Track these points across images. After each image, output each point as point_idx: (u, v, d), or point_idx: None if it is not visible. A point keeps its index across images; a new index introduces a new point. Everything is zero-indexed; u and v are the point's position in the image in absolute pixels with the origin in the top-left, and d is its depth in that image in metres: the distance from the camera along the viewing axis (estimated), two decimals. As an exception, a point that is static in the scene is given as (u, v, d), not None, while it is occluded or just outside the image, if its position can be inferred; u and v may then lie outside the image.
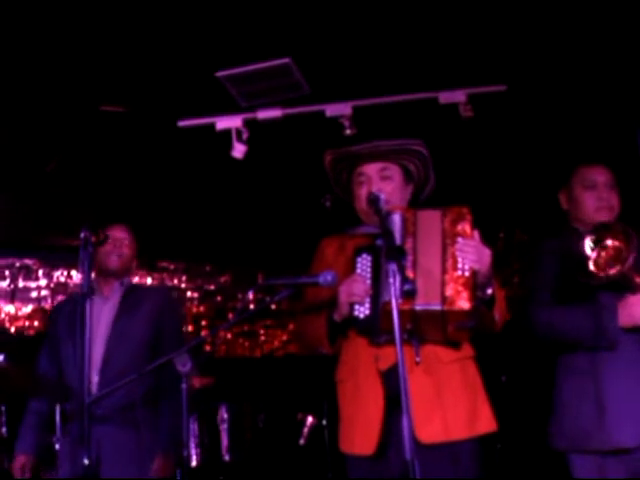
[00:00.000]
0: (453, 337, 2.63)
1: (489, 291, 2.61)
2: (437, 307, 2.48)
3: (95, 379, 3.44)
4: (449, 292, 2.48)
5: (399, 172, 2.86)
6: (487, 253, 2.56)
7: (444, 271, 2.51)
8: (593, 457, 2.93)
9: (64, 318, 3.55)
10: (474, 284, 2.51)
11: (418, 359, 2.58)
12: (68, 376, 3.46)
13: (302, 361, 5.91)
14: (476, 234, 2.58)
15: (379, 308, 2.50)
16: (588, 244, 2.89)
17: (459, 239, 2.55)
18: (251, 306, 7.59)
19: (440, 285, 2.49)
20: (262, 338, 7.55)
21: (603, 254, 2.86)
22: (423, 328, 2.56)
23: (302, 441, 5.31)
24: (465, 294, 2.47)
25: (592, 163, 3.26)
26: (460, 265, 2.51)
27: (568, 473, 3.08)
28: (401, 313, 2.35)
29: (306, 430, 5.32)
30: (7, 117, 4.77)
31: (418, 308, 2.42)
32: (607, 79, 4.49)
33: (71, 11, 3.75)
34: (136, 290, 3.77)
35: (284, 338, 7.54)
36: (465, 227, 2.58)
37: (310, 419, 5.33)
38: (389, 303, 2.28)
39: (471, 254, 2.52)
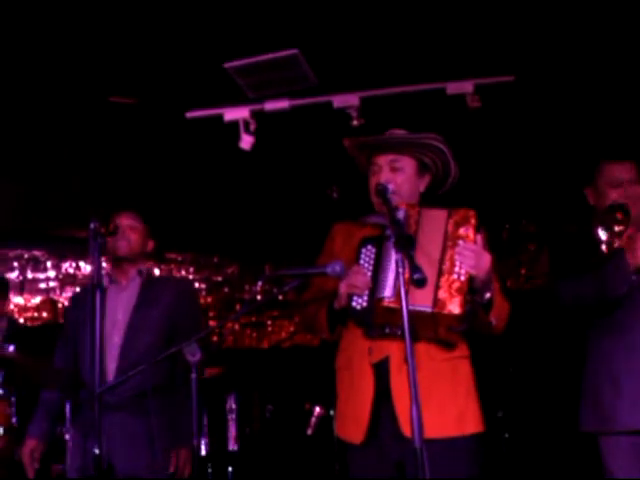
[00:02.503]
0: (445, 337, 2.65)
1: (487, 295, 2.61)
2: (428, 309, 2.50)
3: (112, 367, 3.45)
4: (442, 295, 2.50)
5: (412, 164, 2.86)
6: (487, 259, 2.56)
7: (440, 273, 2.52)
8: (619, 438, 2.98)
9: (81, 308, 3.55)
10: (468, 289, 2.52)
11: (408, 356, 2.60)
12: (83, 365, 3.46)
13: (309, 352, 5.94)
14: (479, 239, 2.58)
15: (374, 300, 2.53)
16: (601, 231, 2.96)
17: (460, 242, 2.56)
18: (258, 297, 7.62)
19: (434, 287, 2.50)
20: (269, 329, 7.57)
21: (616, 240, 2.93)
22: (416, 326, 2.55)
23: (309, 431, 5.33)
24: (457, 299, 2.49)
25: (617, 160, 3.28)
26: (457, 269, 2.52)
27: (576, 459, 3.12)
28: (392, 311, 2.39)
29: (314, 420, 5.33)
30: (17, 108, 4.78)
31: (410, 308, 2.38)
32: (615, 69, 4.48)
33: (80, 3, 3.76)
34: (156, 280, 3.77)
35: (291, 329, 7.56)
36: (468, 231, 2.58)
37: (318, 409, 5.35)
38: (382, 299, 2.35)
39: (470, 259, 2.53)
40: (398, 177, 2.80)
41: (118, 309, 3.59)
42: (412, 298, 2.40)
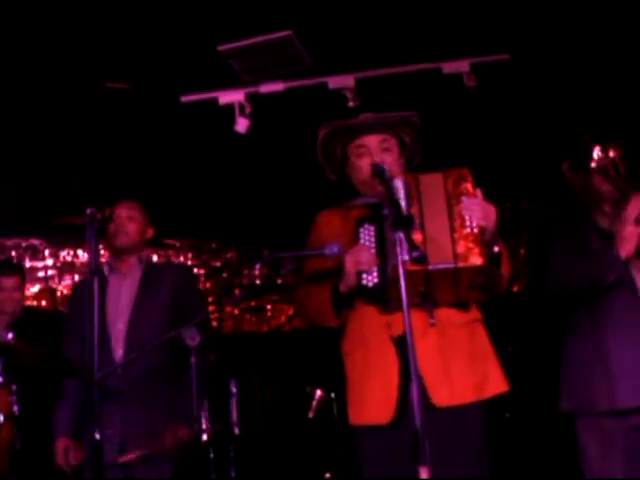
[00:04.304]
0: (465, 297, 2.66)
1: (496, 248, 2.63)
2: (450, 265, 2.50)
3: (119, 353, 3.48)
4: (461, 249, 2.51)
5: (396, 144, 2.91)
6: (492, 210, 2.59)
7: (453, 230, 2.54)
8: (596, 419, 2.98)
9: (85, 296, 3.54)
10: (483, 240, 2.53)
11: (433, 321, 2.60)
12: (88, 352, 3.46)
13: (309, 335, 5.93)
14: (479, 192, 2.60)
15: (388, 275, 2.51)
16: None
17: (463, 198, 2.58)
18: (257, 282, 7.62)
19: (451, 243, 2.52)
20: (269, 314, 7.57)
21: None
22: (436, 289, 2.57)
23: (311, 414, 5.34)
24: (476, 250, 2.50)
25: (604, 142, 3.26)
26: (468, 223, 2.54)
27: (574, 440, 3.13)
28: (413, 275, 2.38)
29: (315, 403, 5.34)
30: (12, 97, 4.76)
31: (431, 268, 2.44)
32: (610, 47, 4.46)
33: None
34: (156, 267, 3.83)
35: (290, 313, 7.56)
36: (467, 186, 2.61)
37: (319, 392, 5.35)
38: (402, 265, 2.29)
39: (477, 212, 2.55)
40: (389, 157, 2.84)
41: (121, 297, 3.62)
42: (432, 258, 2.43)
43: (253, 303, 7.50)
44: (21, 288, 4.89)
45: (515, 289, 5.76)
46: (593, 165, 2.97)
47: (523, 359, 5.61)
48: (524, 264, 6.62)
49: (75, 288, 4.09)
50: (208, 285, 7.47)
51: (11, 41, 4.18)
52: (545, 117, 5.23)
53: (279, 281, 7.25)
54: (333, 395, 5.32)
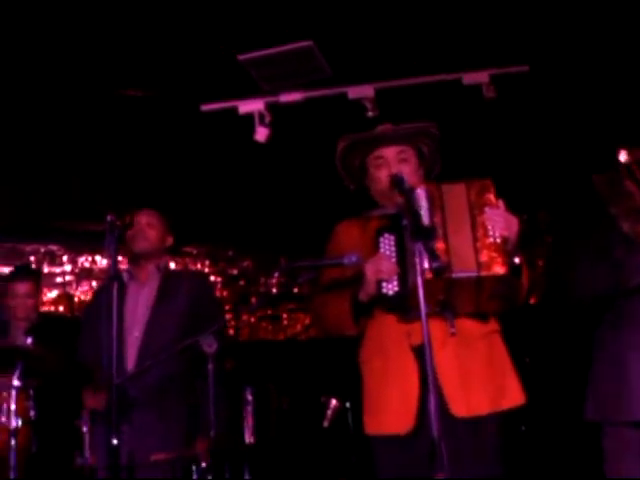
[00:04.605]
0: (485, 307, 2.66)
1: (517, 259, 2.63)
2: (473, 273, 2.50)
3: (132, 361, 3.49)
4: (484, 258, 2.51)
5: (415, 155, 2.93)
6: (515, 221, 2.59)
7: (476, 239, 2.54)
8: (623, 429, 2.96)
9: (102, 302, 3.56)
10: (505, 251, 2.53)
11: (453, 330, 2.59)
12: (103, 358, 3.47)
13: (325, 344, 5.93)
14: (501, 203, 2.60)
15: (408, 283, 2.52)
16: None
17: (486, 209, 2.58)
18: (274, 290, 7.62)
19: (474, 252, 2.52)
20: (285, 322, 7.57)
21: None
22: (456, 299, 2.57)
23: (326, 424, 5.33)
24: (499, 259, 2.50)
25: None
26: (491, 233, 2.54)
27: (591, 453, 3.11)
28: (434, 284, 2.38)
29: (330, 413, 5.33)
30: (31, 102, 4.80)
31: (454, 276, 2.44)
32: (631, 59, 4.44)
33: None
34: (174, 275, 3.80)
35: (307, 322, 7.56)
36: (490, 197, 2.61)
37: (334, 402, 5.34)
38: (424, 272, 2.31)
39: (500, 222, 2.55)
40: (406, 168, 2.84)
41: (138, 305, 3.64)
42: (455, 266, 2.43)
43: (269, 311, 7.50)
44: (35, 294, 4.89)
45: (532, 300, 5.74)
46: (621, 168, 2.96)
47: (540, 371, 5.59)
48: (542, 275, 6.60)
49: (96, 294, 4.11)
50: (225, 293, 7.48)
51: (28, 50, 4.21)
52: (563, 128, 5.22)
53: (295, 290, 7.25)
54: (348, 405, 5.31)
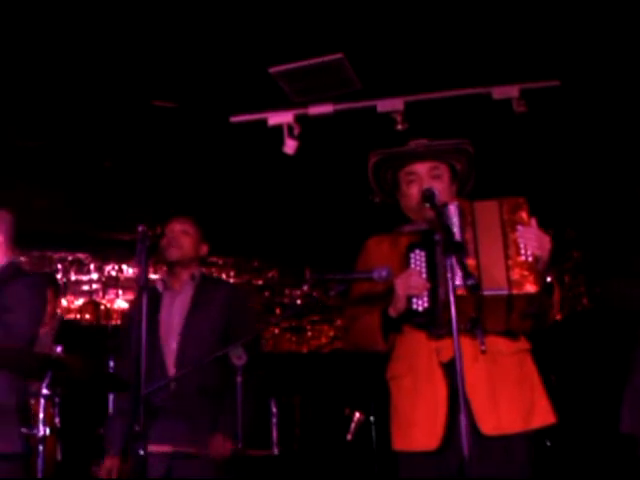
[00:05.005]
0: (515, 325, 2.64)
1: (549, 278, 2.61)
2: (504, 291, 2.48)
3: (172, 372, 3.50)
4: (515, 276, 2.48)
5: (447, 171, 2.91)
6: (547, 239, 2.56)
7: (508, 257, 2.52)
8: None
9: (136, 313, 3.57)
10: (537, 269, 2.51)
11: (483, 347, 2.57)
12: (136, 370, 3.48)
13: (349, 357, 5.92)
14: (534, 221, 2.58)
15: (439, 299, 2.51)
16: None
17: (519, 227, 2.56)
18: (298, 301, 7.63)
19: (505, 270, 2.49)
20: (309, 334, 7.57)
21: None
22: (486, 316, 2.55)
23: (349, 437, 5.32)
24: (531, 277, 2.48)
25: None
26: (523, 251, 2.52)
27: (617, 470, 3.10)
28: (464, 300, 2.36)
29: (353, 426, 5.32)
30: (64, 113, 4.85)
31: (485, 293, 2.42)
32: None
33: (128, 7, 3.80)
34: (208, 284, 3.78)
35: (331, 334, 7.55)
36: (523, 215, 2.58)
37: (357, 415, 5.34)
38: (456, 288, 2.31)
39: (532, 240, 2.53)
40: (439, 185, 2.81)
41: (173, 315, 3.64)
42: (486, 284, 2.41)
43: (294, 323, 7.51)
44: (52, 300, 4.92)
45: (557, 317, 5.71)
46: None
47: (566, 388, 5.54)
48: (569, 292, 6.56)
49: (133, 304, 4.11)
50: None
51: (64, 63, 4.26)
52: (594, 145, 5.19)
53: (322, 302, 7.25)
54: (372, 418, 5.30)
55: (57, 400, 4.44)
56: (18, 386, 3.27)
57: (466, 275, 2.23)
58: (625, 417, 3.12)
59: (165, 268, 3.77)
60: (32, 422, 3.23)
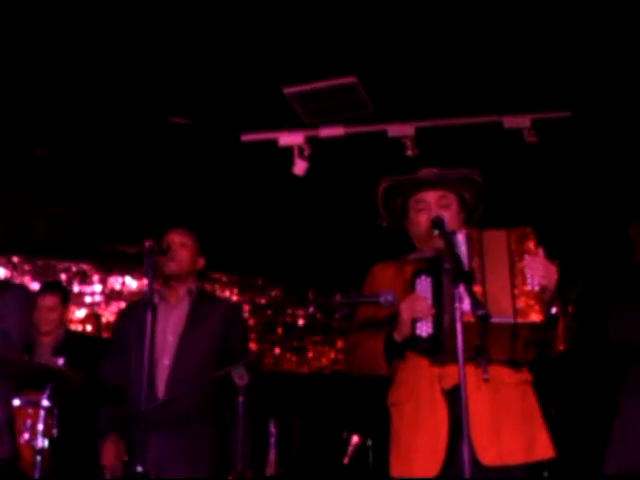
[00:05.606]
0: (519, 355, 2.63)
1: (554, 309, 2.61)
2: (509, 320, 2.48)
3: (162, 388, 3.47)
4: (521, 305, 2.49)
5: (456, 200, 2.92)
6: (554, 270, 2.57)
7: (514, 286, 2.52)
8: None
9: (133, 325, 3.55)
10: (543, 299, 2.51)
11: (487, 376, 2.57)
12: (132, 382, 3.46)
13: (349, 380, 5.89)
14: (541, 251, 2.58)
15: (443, 326, 2.51)
16: None
17: (526, 256, 2.56)
18: (300, 321, 7.62)
19: (511, 299, 2.50)
20: (310, 354, 7.55)
21: None
22: (490, 344, 2.55)
23: (346, 460, 5.28)
24: (537, 307, 2.48)
25: None
26: (529, 280, 2.52)
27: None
28: (470, 328, 2.36)
29: (351, 449, 5.29)
30: (73, 123, 4.86)
31: (491, 321, 2.41)
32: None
33: (142, 28, 3.82)
34: (205, 300, 3.75)
35: (332, 356, 7.53)
36: (530, 245, 2.59)
37: (355, 438, 5.31)
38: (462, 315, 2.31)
39: (539, 270, 2.53)
40: (447, 213, 2.82)
41: (168, 330, 3.60)
42: (492, 311, 2.40)
43: (295, 343, 7.49)
44: (59, 309, 4.91)
45: (561, 347, 5.69)
46: None
47: (565, 421, 5.51)
48: (572, 321, 6.55)
49: (121, 315, 4.03)
50: (252, 321, 7.47)
51: (76, 77, 4.28)
52: (604, 177, 5.19)
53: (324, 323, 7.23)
54: (370, 442, 5.26)
55: (55, 411, 4.42)
56: (6, 394, 3.29)
57: (476, 304, 2.23)
58: (610, 459, 3.11)
59: (161, 280, 3.71)
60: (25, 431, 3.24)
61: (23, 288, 4.00)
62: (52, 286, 5.25)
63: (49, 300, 4.82)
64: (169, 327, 3.61)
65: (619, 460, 3.12)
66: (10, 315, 3.24)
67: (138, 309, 3.56)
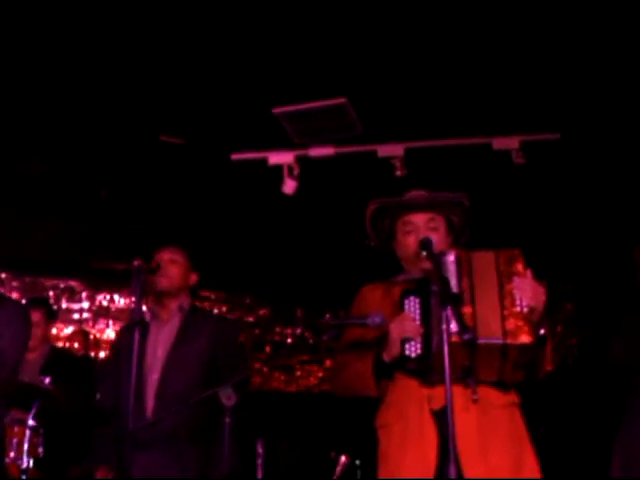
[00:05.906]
0: (508, 376, 2.63)
1: (542, 330, 2.61)
2: (499, 341, 2.48)
3: (150, 404, 3.44)
4: (510, 326, 2.50)
5: (444, 223, 2.93)
6: (542, 291, 2.58)
7: (503, 307, 2.53)
8: None
9: (126, 344, 3.53)
10: (531, 320, 2.52)
11: (475, 397, 2.57)
12: (123, 400, 3.42)
13: (337, 399, 5.88)
14: (529, 273, 2.59)
15: (432, 346, 2.51)
16: None
17: (515, 278, 2.57)
18: (289, 340, 7.60)
19: (500, 320, 2.51)
20: (298, 373, 7.52)
21: None
22: (479, 365, 2.56)
23: (334, 480, 5.26)
24: (526, 328, 2.49)
25: None
26: (518, 302, 2.53)
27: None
28: (459, 349, 2.36)
29: (339, 469, 5.27)
30: (62, 143, 4.86)
31: (480, 342, 2.42)
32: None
33: (134, 48, 3.84)
34: (197, 316, 3.71)
35: (320, 375, 7.51)
36: (519, 267, 2.60)
37: (343, 458, 5.28)
38: (450, 336, 2.31)
39: (527, 291, 2.54)
40: (435, 236, 2.82)
41: (158, 345, 3.58)
42: (481, 332, 2.42)
43: (283, 361, 7.46)
44: (44, 324, 4.88)
45: (548, 367, 5.69)
46: None
47: (554, 440, 5.51)
48: (560, 342, 6.56)
49: (120, 334, 4.01)
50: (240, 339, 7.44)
51: (67, 95, 4.29)
52: (592, 199, 5.21)
53: (310, 341, 7.22)
54: (358, 462, 5.24)
55: (41, 430, 4.39)
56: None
57: (462, 328, 2.23)
58: (616, 463, 3.13)
59: (152, 297, 3.70)
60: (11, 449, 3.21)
61: (18, 304, 3.92)
62: (36, 301, 5.23)
63: (33, 315, 4.79)
64: (159, 342, 3.59)
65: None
66: (4, 332, 3.18)
67: (131, 330, 3.52)
